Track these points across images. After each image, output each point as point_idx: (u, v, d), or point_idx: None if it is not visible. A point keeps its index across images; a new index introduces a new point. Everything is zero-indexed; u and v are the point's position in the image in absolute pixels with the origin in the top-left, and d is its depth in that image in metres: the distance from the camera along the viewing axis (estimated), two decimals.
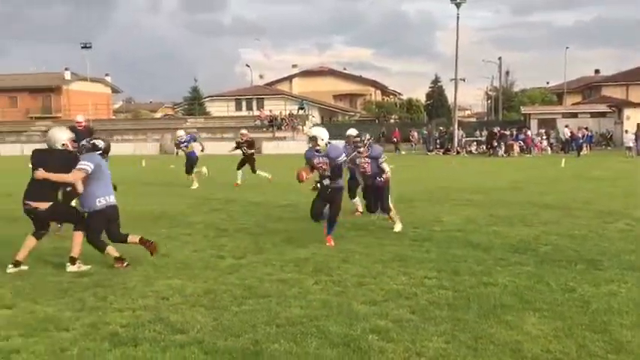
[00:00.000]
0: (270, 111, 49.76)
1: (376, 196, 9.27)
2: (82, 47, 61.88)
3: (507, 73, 73.89)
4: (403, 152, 40.69)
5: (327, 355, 4.24)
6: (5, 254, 7.24)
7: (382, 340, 4.51)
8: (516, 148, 36.56)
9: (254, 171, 16.81)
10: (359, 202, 10.72)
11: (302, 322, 4.91)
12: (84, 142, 7.14)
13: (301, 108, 51.29)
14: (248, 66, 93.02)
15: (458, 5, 40.45)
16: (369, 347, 4.37)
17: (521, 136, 38.10)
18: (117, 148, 41.74)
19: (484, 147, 38.18)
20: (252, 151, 16.90)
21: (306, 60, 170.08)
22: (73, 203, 7.96)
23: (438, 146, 40.97)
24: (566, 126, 39.22)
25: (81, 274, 6.62)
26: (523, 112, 49.26)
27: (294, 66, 76.30)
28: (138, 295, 5.79)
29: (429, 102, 77.23)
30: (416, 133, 44.90)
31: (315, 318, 5.02)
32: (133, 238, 7.15)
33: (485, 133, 40.30)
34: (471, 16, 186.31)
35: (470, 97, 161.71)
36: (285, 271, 6.71)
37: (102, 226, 6.97)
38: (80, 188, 6.86)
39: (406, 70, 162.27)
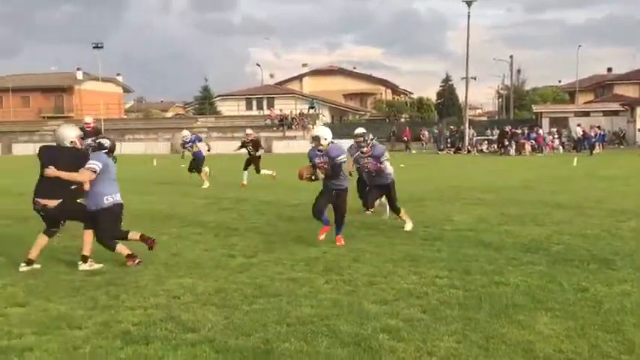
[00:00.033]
0: (281, 110, 49.85)
1: (388, 197, 9.39)
2: (94, 47, 62.25)
3: (519, 71, 73.71)
4: (414, 151, 40.62)
5: (337, 355, 4.24)
6: (17, 253, 7.30)
7: (393, 339, 4.50)
8: (528, 147, 36.41)
9: (258, 171, 16.82)
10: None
11: (313, 322, 4.91)
12: (89, 141, 7.20)
13: (311, 107, 51.34)
14: (258, 65, 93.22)
15: (469, 4, 40.32)
16: (380, 346, 4.36)
17: (533, 135, 37.93)
18: (128, 148, 42.45)
19: (495, 146, 38.04)
20: (259, 153, 16.86)
21: (316, 59, 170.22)
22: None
23: (448, 145, 40.87)
24: (579, 125, 38.98)
25: (93, 273, 6.66)
26: (535, 110, 49.07)
27: (304, 65, 76.39)
28: (149, 293, 5.82)
29: (439, 101, 77.04)
30: (427, 132, 44.80)
31: (325, 317, 5.02)
32: (134, 235, 7.21)
33: (496, 131, 40.16)
34: (482, 15, 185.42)
35: (481, 96, 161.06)
36: (295, 270, 6.72)
37: (111, 225, 7.01)
38: (87, 186, 6.92)
39: (416, 69, 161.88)
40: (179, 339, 4.57)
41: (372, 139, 9.35)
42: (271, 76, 75.04)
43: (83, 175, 6.77)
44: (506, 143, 36.11)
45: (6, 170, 25.95)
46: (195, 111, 65.04)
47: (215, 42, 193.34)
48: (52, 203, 6.82)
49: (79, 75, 64.91)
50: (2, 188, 16.65)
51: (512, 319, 4.89)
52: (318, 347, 4.36)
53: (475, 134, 41.81)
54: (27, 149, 43.49)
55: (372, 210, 10.64)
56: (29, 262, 6.84)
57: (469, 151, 38.99)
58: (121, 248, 7.03)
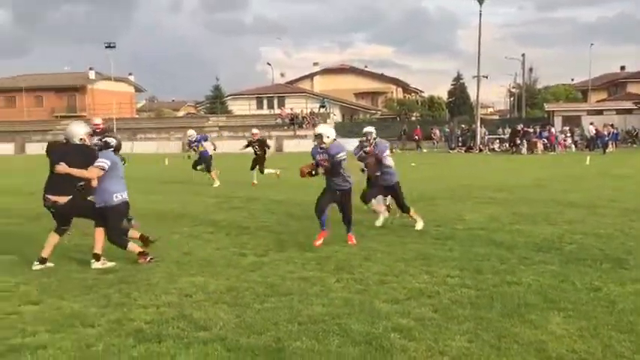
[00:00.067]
0: (292, 109, 49.90)
1: (394, 197, 9.47)
2: (106, 47, 62.47)
3: (531, 69, 73.26)
4: (425, 150, 40.50)
5: (349, 353, 4.24)
6: (30, 251, 7.36)
7: (404, 338, 4.49)
8: (540, 145, 36.18)
9: (262, 171, 16.85)
10: (379, 201, 10.70)
11: (324, 320, 4.91)
12: (96, 139, 7.27)
13: (322, 106, 51.34)
14: (269, 64, 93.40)
15: (480, 2, 40.11)
16: (391, 346, 4.35)
17: (545, 134, 37.67)
18: (140, 147, 42.66)
19: (507, 145, 37.84)
20: (269, 153, 16.87)
21: (327, 58, 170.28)
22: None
23: (460, 144, 40.69)
24: (591, 123, 38.66)
25: (105, 271, 6.70)
26: (547, 109, 48.72)
27: (315, 64, 76.42)
28: (161, 292, 5.85)
29: (450, 99, 76.67)
30: (438, 131, 44.60)
31: (337, 316, 5.02)
32: (134, 233, 7.27)
33: (508, 130, 39.95)
34: (493, 13, 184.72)
35: (492, 95, 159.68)
36: (306, 268, 6.72)
37: (119, 222, 7.07)
38: (94, 182, 6.97)
39: (427, 68, 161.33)
40: (191, 337, 4.59)
41: (374, 138, 9.47)
42: (282, 75, 75.12)
43: (92, 173, 6.83)
44: (518, 142, 35.92)
45: (19, 169, 26.17)
46: (206, 110, 65.23)
47: (226, 41, 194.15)
48: (63, 200, 6.87)
49: (92, 75, 65.30)
50: (14, 187, 16.82)
51: (524, 319, 4.87)
52: (329, 346, 4.36)
53: (487, 133, 41.58)
54: (40, 148, 43.20)
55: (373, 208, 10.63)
56: (42, 261, 6.90)
57: (481, 150, 38.79)
58: (133, 247, 7.08)
